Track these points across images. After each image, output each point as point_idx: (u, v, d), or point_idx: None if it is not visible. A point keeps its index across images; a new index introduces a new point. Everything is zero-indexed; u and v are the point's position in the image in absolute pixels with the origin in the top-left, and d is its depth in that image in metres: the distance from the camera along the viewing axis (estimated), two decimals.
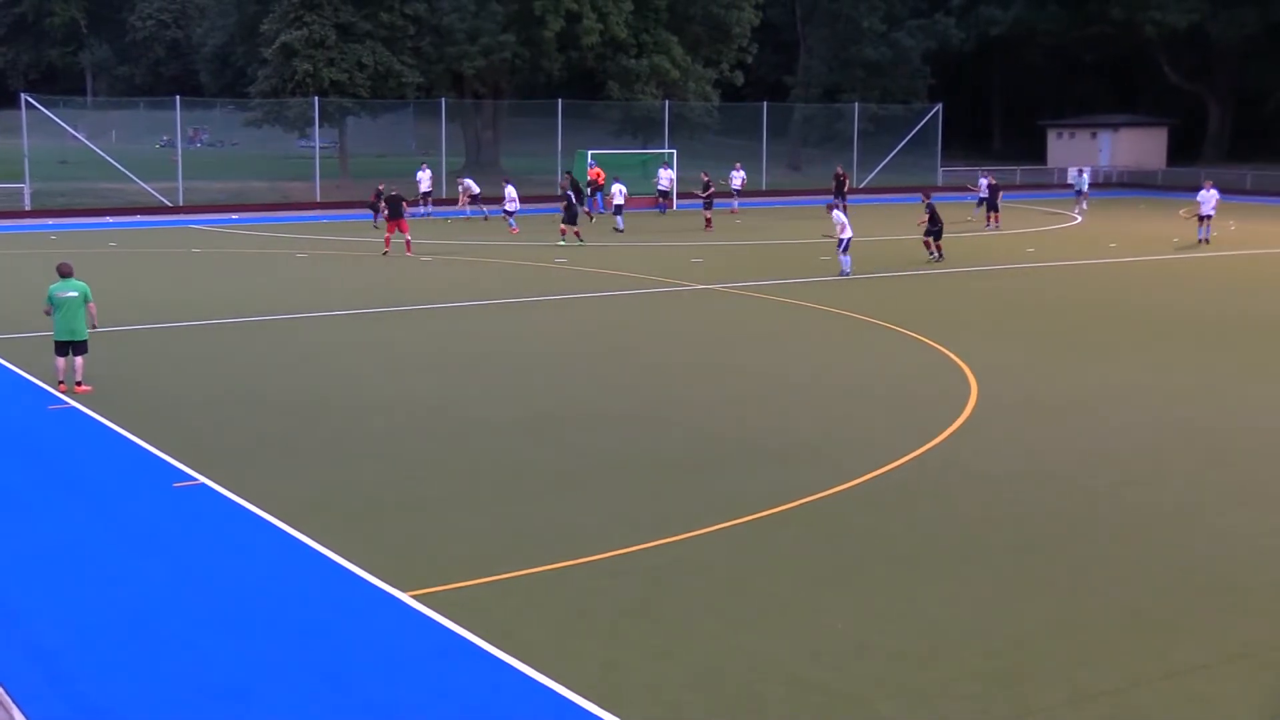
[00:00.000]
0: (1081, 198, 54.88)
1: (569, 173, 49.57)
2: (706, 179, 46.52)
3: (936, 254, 34.88)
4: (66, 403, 17.50)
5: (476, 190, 48.74)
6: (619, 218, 44.83)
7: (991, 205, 47.08)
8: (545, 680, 9.01)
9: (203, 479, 13.90)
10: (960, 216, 48.64)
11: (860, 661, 9.41)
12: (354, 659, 9.40)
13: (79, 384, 18.03)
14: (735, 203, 52.92)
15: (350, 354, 21.56)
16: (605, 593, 10.73)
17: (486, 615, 10.14)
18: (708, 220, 45.25)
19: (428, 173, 51.45)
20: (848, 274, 31.64)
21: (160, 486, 13.78)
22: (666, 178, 52.31)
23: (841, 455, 15.11)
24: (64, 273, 18.26)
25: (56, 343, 18.07)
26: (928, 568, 11.44)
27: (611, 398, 18.29)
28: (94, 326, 18.45)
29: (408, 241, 36.19)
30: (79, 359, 18.11)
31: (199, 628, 9.97)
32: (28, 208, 49.72)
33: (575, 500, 13.42)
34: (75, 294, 18.02)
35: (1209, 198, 41.15)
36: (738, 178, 53.90)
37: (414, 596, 10.51)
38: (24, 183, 51.13)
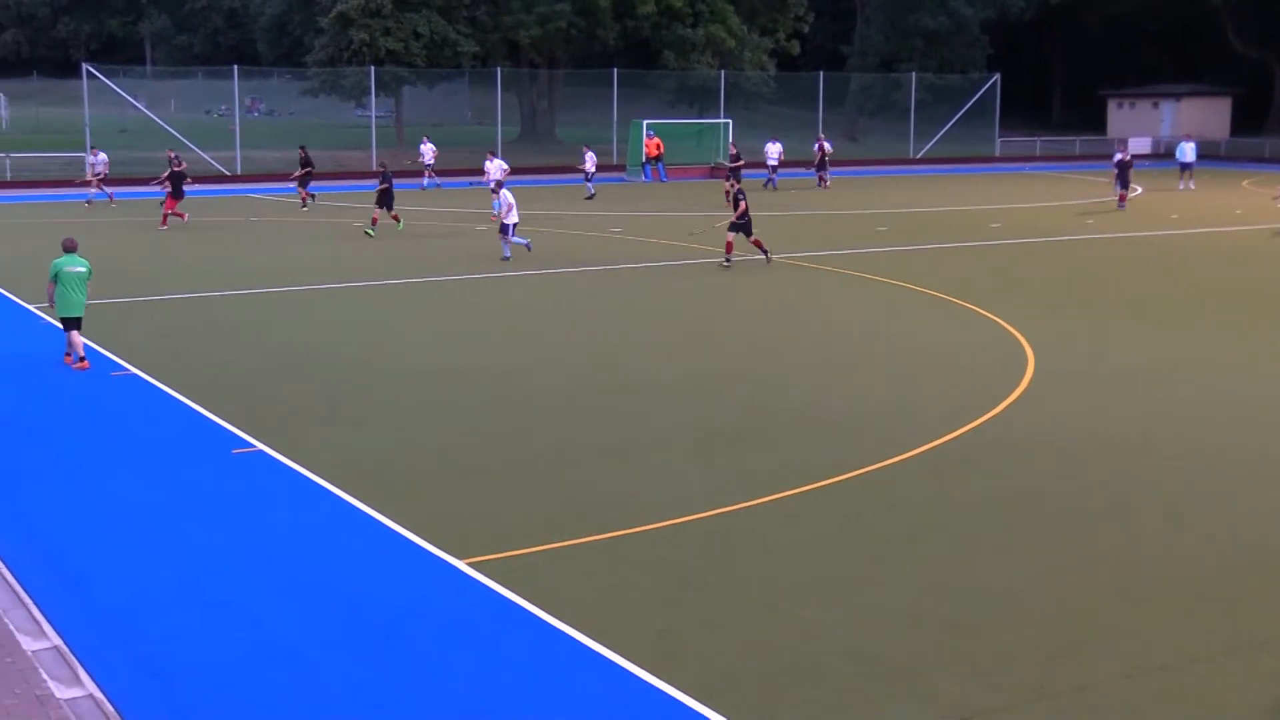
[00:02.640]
0: (1188, 173, 51.29)
1: (382, 163, 40.79)
2: (735, 151, 45.61)
3: (765, 256, 28.43)
4: (127, 369, 17.69)
5: (100, 170, 42.79)
6: (589, 184, 45.29)
7: (1123, 183, 42.62)
8: (600, 648, 9.04)
9: (261, 445, 14.03)
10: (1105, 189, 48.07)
11: (916, 632, 9.38)
12: (410, 625, 9.47)
13: (82, 359, 17.68)
14: (828, 174, 51.32)
15: (406, 322, 21.67)
16: (660, 561, 10.75)
17: (541, 583, 10.19)
18: (729, 193, 43.33)
19: (430, 145, 50.44)
20: (508, 258, 28.63)
21: (220, 453, 13.92)
22: (776, 152, 50.80)
23: (897, 426, 15.04)
24: (69, 248, 17.85)
25: (63, 319, 17.65)
26: (984, 539, 11.38)
27: (666, 368, 18.28)
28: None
29: (165, 216, 34.77)
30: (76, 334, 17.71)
31: (258, 592, 10.09)
32: (88, 176, 50.14)
33: (630, 469, 13.45)
34: (83, 269, 17.69)
35: None
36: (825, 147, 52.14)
37: (469, 564, 10.57)
38: (86, 152, 51.58)
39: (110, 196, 41.90)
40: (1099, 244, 33.32)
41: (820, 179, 50.57)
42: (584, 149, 47.55)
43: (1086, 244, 33.27)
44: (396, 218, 33.91)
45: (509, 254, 28.78)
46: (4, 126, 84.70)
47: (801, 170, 52.46)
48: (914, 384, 17.32)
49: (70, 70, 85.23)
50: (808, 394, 16.74)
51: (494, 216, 36.03)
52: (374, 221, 33.66)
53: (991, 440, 14.53)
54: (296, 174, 41.65)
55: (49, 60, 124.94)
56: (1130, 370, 18.25)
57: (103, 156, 42.99)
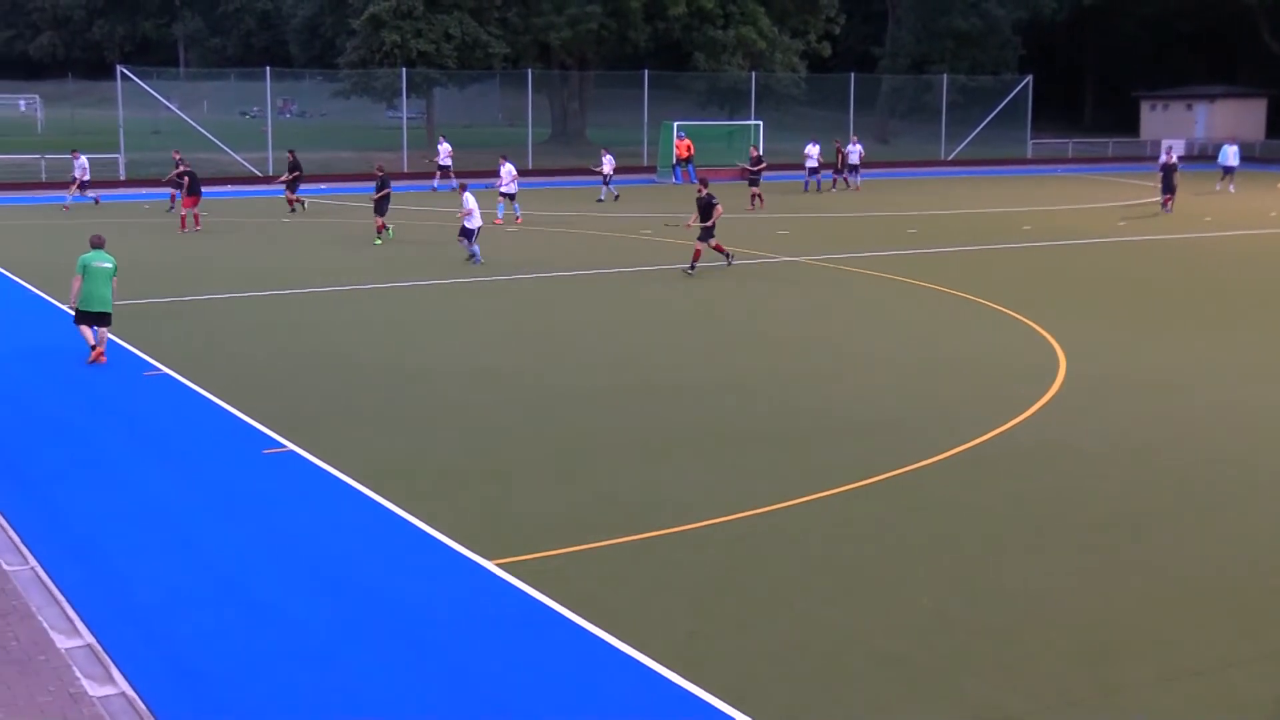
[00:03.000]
0: (1229, 176, 50.50)
1: (379, 167, 34.50)
2: (756, 154, 44.89)
3: (726, 259, 27.70)
4: (159, 369, 17.82)
5: (76, 175, 40.54)
6: (606, 187, 45.01)
7: (1167, 187, 41.50)
8: (628, 649, 9.06)
9: (291, 446, 14.10)
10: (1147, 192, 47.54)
11: (944, 636, 9.36)
12: (439, 625, 9.51)
13: (94, 347, 17.97)
14: (859, 177, 51.12)
15: (436, 323, 21.74)
16: (689, 564, 10.76)
17: (570, 584, 10.21)
18: (755, 196, 42.12)
19: (446, 146, 49.41)
20: (479, 260, 28.03)
21: (250, 453, 14.01)
22: (815, 153, 49.92)
23: (927, 429, 15.00)
24: (96, 244, 18.21)
25: (81, 312, 17.90)
26: (1014, 543, 11.34)
27: (695, 369, 18.28)
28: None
29: (197, 216, 34.27)
30: (104, 330, 18.09)
31: (288, 591, 10.15)
32: (122, 177, 50.58)
33: (660, 471, 13.46)
34: (109, 264, 17.98)
35: None
36: (855, 152, 51.51)
37: (498, 564, 10.60)
38: (119, 153, 52.00)
39: (96, 199, 40.70)
40: (1131, 247, 33.14)
41: (835, 181, 50.36)
42: (602, 151, 47.28)
43: (1119, 246, 33.09)
44: (383, 226, 32.06)
45: (480, 258, 28.09)
46: (39, 128, 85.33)
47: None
48: (944, 387, 17.28)
49: (105, 72, 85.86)
50: (837, 396, 16.72)
51: (518, 219, 36.13)
52: (380, 229, 32.15)
53: (1022, 443, 14.48)
54: (285, 178, 40.37)
55: (84, 62, 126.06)
56: (1162, 374, 18.15)
57: (83, 160, 40.93)
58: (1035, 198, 47.90)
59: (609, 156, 46.13)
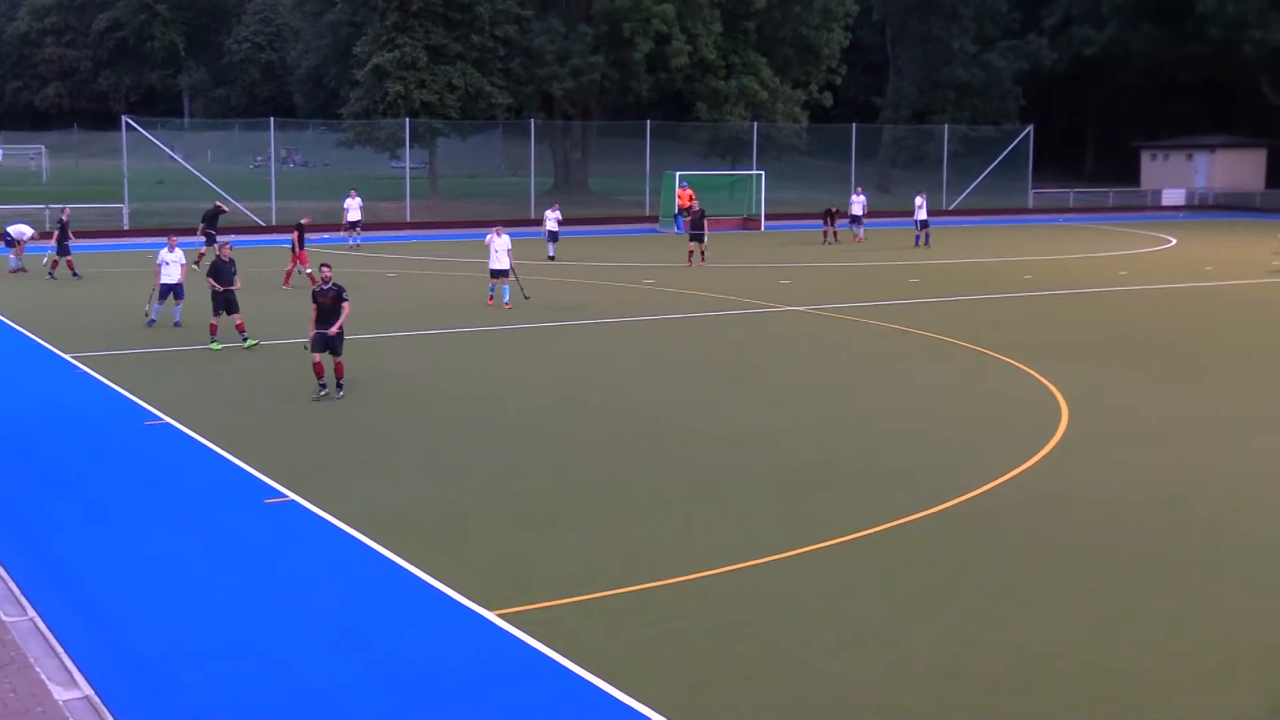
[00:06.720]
0: None
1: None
2: (691, 197, 41.11)
3: (320, 388, 19.35)
4: (162, 419, 17.77)
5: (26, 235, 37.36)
6: (551, 245, 41.80)
7: None
8: (631, 701, 8.97)
9: (293, 495, 14.04)
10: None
11: (953, 688, 9.27)
12: (440, 677, 9.42)
13: None
14: (861, 229, 50.02)
15: (440, 372, 21.70)
16: (692, 615, 10.67)
17: (572, 635, 10.13)
18: (691, 253, 39.26)
19: (357, 200, 46.21)
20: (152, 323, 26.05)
21: (252, 502, 13.94)
22: (860, 203, 49.15)
23: (930, 479, 14.93)
24: None
25: None
26: (1020, 594, 11.25)
27: (700, 419, 18.22)
28: None
29: (309, 274, 31.23)
30: None
31: (289, 642, 10.06)
32: (126, 227, 50.75)
33: (663, 521, 13.38)
34: None
35: None
36: (858, 203, 50.70)
37: (500, 615, 10.52)
38: (123, 202, 52.19)
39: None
40: (1133, 296, 33.15)
41: (826, 234, 49.09)
42: (547, 208, 43.75)
43: (1120, 296, 33.11)
44: (240, 327, 24.03)
45: (154, 321, 26.07)
46: (44, 179, 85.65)
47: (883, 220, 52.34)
48: (947, 436, 17.22)
49: (110, 122, 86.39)
50: (839, 447, 16.66)
51: (505, 303, 31.71)
52: (213, 330, 24.02)
53: (1026, 493, 14.40)
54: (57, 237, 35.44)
55: (90, 113, 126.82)
56: (1164, 423, 18.09)
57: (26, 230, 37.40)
58: (1037, 247, 48.00)
59: (553, 212, 42.48)
